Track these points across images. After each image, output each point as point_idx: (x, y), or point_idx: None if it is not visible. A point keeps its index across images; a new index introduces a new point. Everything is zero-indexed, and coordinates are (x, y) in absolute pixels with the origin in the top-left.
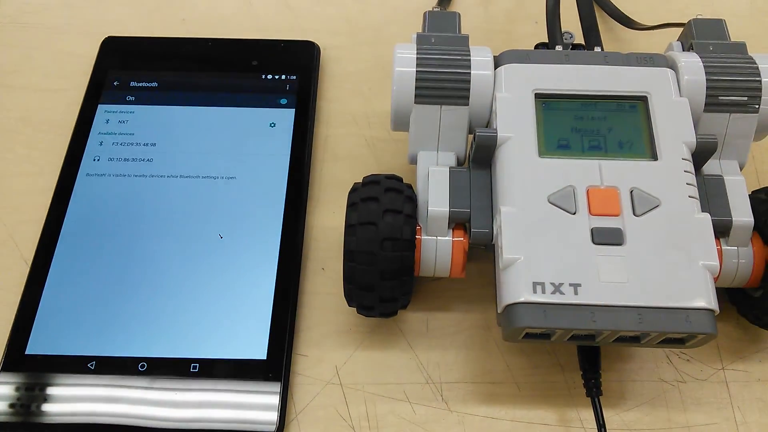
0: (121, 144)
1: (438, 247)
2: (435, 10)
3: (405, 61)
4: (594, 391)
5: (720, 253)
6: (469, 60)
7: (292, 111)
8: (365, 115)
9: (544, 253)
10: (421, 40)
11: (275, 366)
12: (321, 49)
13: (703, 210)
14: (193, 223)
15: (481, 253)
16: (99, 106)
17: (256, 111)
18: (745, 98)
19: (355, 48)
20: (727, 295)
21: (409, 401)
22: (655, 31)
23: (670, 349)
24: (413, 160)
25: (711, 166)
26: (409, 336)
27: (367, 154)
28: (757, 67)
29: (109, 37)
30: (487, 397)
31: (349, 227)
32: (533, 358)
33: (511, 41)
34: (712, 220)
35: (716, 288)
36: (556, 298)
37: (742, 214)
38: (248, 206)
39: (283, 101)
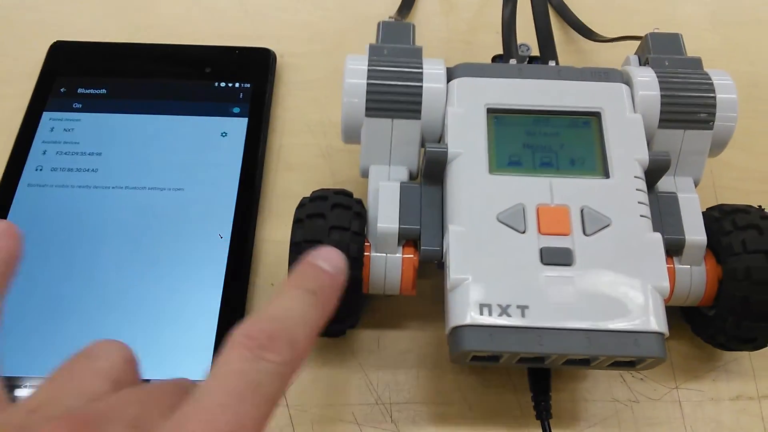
0: (65, 153)
1: (387, 265)
2: (390, 20)
3: (356, 72)
4: (544, 414)
5: (672, 272)
6: (422, 73)
7: (245, 120)
8: (321, 124)
9: (492, 273)
10: (373, 51)
11: None
12: (278, 56)
13: (656, 229)
14: (137, 237)
15: (435, 268)
16: (44, 113)
17: (207, 120)
18: (700, 114)
19: (313, 56)
20: (681, 313)
21: (358, 423)
22: (616, 42)
23: (621, 371)
24: (365, 174)
25: (665, 183)
26: (359, 355)
27: (322, 164)
28: (712, 83)
29: (57, 41)
30: (438, 418)
31: (294, 245)
32: (485, 377)
33: (472, 51)
34: (664, 238)
35: (669, 306)
36: (503, 321)
37: (695, 233)
38: (196, 219)
39: (236, 110)
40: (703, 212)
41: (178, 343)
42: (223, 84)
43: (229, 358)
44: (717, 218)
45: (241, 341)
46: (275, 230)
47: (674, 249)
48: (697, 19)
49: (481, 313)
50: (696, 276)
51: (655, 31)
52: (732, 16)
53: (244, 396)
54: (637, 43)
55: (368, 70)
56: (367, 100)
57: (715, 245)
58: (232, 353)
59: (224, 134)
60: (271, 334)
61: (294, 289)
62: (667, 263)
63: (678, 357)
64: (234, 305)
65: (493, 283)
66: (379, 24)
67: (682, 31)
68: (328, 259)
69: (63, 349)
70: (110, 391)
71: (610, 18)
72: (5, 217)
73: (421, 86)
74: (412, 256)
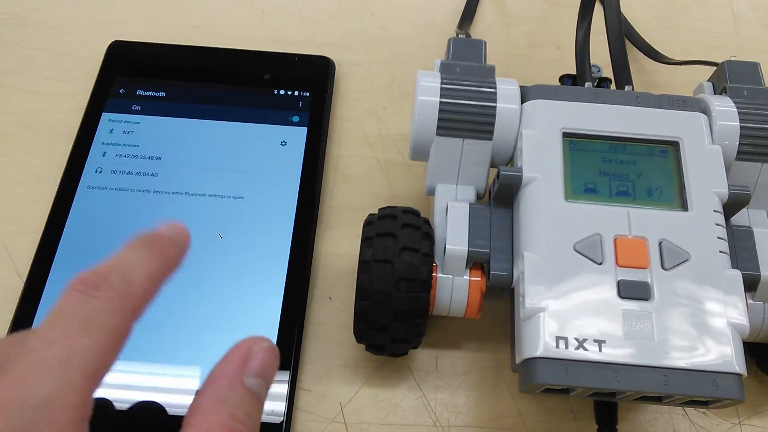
0: (124, 156)
1: (454, 287)
2: (459, 36)
3: (428, 90)
4: None
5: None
6: (496, 93)
7: (305, 129)
8: (379, 136)
9: (569, 305)
10: (445, 68)
11: (277, 402)
12: (336, 66)
13: (732, 264)
14: (197, 245)
15: (495, 290)
16: (103, 114)
17: (267, 128)
18: None
19: (371, 65)
20: (747, 347)
21: None
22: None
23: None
24: (431, 192)
25: (739, 216)
26: (417, 374)
27: (380, 177)
28: None
29: (116, 41)
30: None
31: (364, 263)
32: (545, 404)
33: (532, 66)
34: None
35: None
36: (579, 355)
37: None
38: (255, 229)
39: (295, 119)
40: None
41: None
42: (282, 92)
43: (60, 304)
44: None
45: (72, 286)
46: (332, 243)
47: (749, 285)
48: (760, 42)
49: (557, 346)
50: None
51: (732, 59)
52: None
53: (71, 330)
54: (700, 67)
55: (441, 88)
56: (439, 119)
57: None
58: (63, 298)
59: (284, 143)
60: (102, 274)
61: (129, 246)
62: None
63: None
64: (293, 318)
65: (569, 315)
66: (449, 40)
67: (743, 54)
68: (170, 227)
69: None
70: None
71: (668, 37)
72: (65, 220)
73: (495, 107)
74: (479, 279)
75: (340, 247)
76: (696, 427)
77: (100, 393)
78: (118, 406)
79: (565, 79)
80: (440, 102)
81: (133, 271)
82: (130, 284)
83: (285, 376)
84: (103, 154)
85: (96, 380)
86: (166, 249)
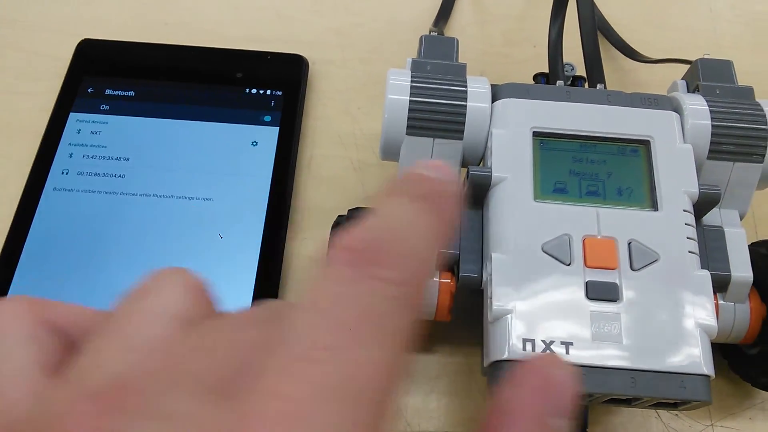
0: (92, 157)
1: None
2: (432, 33)
3: (398, 88)
4: None
5: (716, 308)
6: (466, 91)
7: (276, 129)
8: (353, 136)
9: (536, 307)
10: (416, 66)
11: None
12: (310, 64)
13: (702, 264)
14: (164, 247)
15: (467, 291)
16: (71, 114)
17: (237, 128)
18: (751, 147)
19: (346, 63)
20: (719, 348)
21: None
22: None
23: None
24: None
25: (711, 216)
26: None
27: (353, 178)
28: (764, 115)
29: (85, 39)
30: None
31: None
32: None
33: (509, 65)
34: (710, 275)
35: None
36: None
37: (742, 270)
38: (224, 231)
39: (267, 118)
40: (748, 246)
41: None
42: (254, 91)
43: (326, 280)
44: (764, 255)
45: (338, 258)
46: (304, 245)
47: (719, 285)
48: (738, 41)
49: (524, 348)
50: (740, 314)
51: (705, 56)
52: None
53: (358, 331)
54: (680, 65)
55: (411, 87)
56: (408, 118)
57: (760, 283)
58: (330, 273)
59: (255, 143)
60: (379, 244)
61: (396, 197)
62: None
63: (714, 393)
64: None
65: (537, 317)
66: (421, 38)
67: (720, 51)
68: (435, 168)
69: None
70: (176, 336)
71: (646, 35)
72: (30, 223)
73: (466, 105)
74: (449, 281)
75: (312, 250)
76: (669, 429)
77: None
78: None
79: (539, 77)
80: (410, 101)
81: (414, 241)
82: (415, 262)
83: None
84: (70, 155)
85: (386, 418)
86: (444, 206)
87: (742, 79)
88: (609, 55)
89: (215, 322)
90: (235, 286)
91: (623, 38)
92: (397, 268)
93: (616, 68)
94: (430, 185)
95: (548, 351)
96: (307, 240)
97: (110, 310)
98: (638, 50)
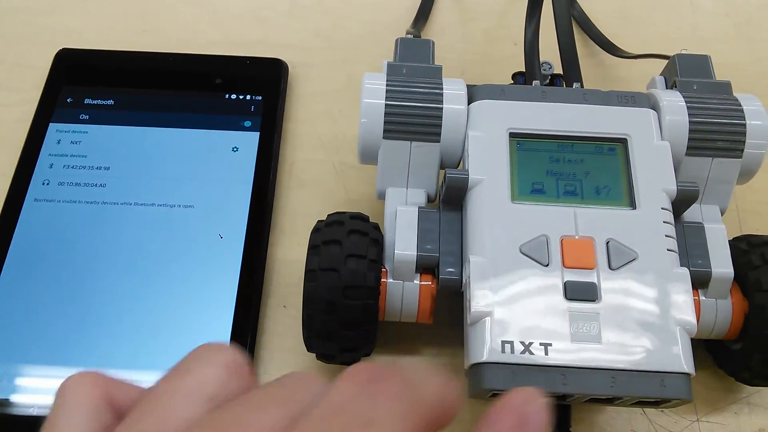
0: (72, 167)
1: (404, 293)
2: (408, 36)
3: (373, 92)
4: None
5: (697, 305)
6: (442, 94)
7: (257, 134)
8: (334, 138)
9: (515, 308)
10: (391, 69)
11: None
12: (290, 67)
13: (682, 261)
14: (147, 255)
15: (451, 293)
16: (50, 124)
17: (218, 134)
18: (729, 142)
19: (326, 66)
20: (704, 344)
21: None
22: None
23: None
24: (381, 196)
25: (691, 212)
26: None
27: (335, 181)
28: (742, 109)
29: (63, 48)
30: None
31: (310, 272)
32: None
33: (489, 63)
34: (690, 271)
35: (692, 339)
36: (526, 359)
37: (722, 266)
38: (206, 237)
39: (247, 123)
40: (729, 242)
41: None
42: (233, 96)
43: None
44: (745, 251)
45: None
46: (287, 250)
47: (700, 282)
48: (721, 32)
49: (503, 351)
50: (721, 310)
51: (683, 52)
52: (755, 31)
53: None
54: (660, 60)
55: (386, 90)
56: (385, 122)
57: (742, 279)
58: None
59: (235, 149)
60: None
61: None
62: (693, 296)
63: (699, 389)
64: (246, 327)
65: (515, 319)
66: (397, 41)
67: (702, 44)
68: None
69: (68, 370)
70: (206, 416)
71: (627, 30)
72: (11, 234)
73: (442, 108)
74: (429, 283)
75: (294, 254)
76: (655, 426)
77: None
78: None
79: (517, 76)
80: (386, 104)
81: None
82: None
83: None
84: (51, 166)
85: None
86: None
87: (724, 72)
88: (589, 51)
89: (242, 399)
90: (218, 292)
91: (603, 33)
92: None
93: (596, 63)
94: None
95: (527, 352)
96: (291, 244)
97: (150, 388)
98: (619, 45)
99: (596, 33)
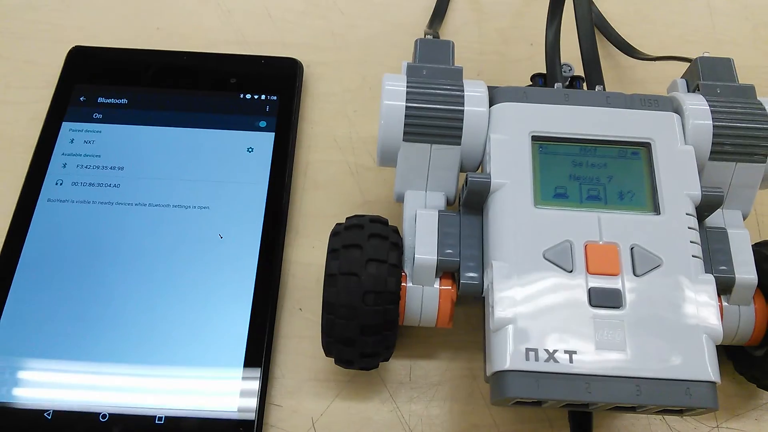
0: (86, 167)
1: (424, 297)
2: (427, 36)
3: (394, 94)
4: None
5: (721, 311)
6: (463, 96)
7: (272, 135)
8: (350, 139)
9: (539, 315)
10: (411, 71)
11: (247, 419)
12: (304, 67)
13: (705, 267)
14: (162, 257)
15: (469, 297)
16: (63, 123)
17: (233, 134)
18: (754, 147)
19: (341, 66)
20: (725, 350)
21: None
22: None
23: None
24: (400, 199)
25: (713, 217)
26: (390, 386)
27: (351, 182)
28: (766, 113)
29: (76, 46)
30: None
31: (329, 277)
32: (520, 412)
33: (505, 63)
34: (714, 277)
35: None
36: (550, 367)
37: (746, 272)
38: (222, 239)
39: (263, 124)
40: (752, 247)
41: (205, 368)
42: (248, 96)
43: None
44: None
45: None
46: (303, 252)
47: (723, 288)
48: (738, 35)
49: (527, 359)
50: (744, 316)
51: (705, 55)
52: None
53: None
54: (679, 63)
55: (407, 92)
56: (405, 124)
57: (765, 285)
58: None
59: (250, 149)
60: None
61: None
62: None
63: (719, 394)
64: (262, 331)
65: (539, 326)
66: (416, 41)
67: (719, 47)
68: None
69: (83, 369)
70: None
71: (644, 31)
72: (25, 235)
73: (463, 110)
74: (450, 288)
75: (310, 256)
76: (673, 431)
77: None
78: (89, 409)
79: (537, 78)
80: (406, 106)
81: None
82: None
83: (255, 390)
84: (64, 166)
85: None
86: None
87: (742, 74)
88: (607, 53)
89: None
90: (234, 294)
91: (621, 35)
92: None
93: (614, 65)
94: None
95: (551, 360)
96: (306, 246)
97: None
98: (636, 46)
99: (614, 35)
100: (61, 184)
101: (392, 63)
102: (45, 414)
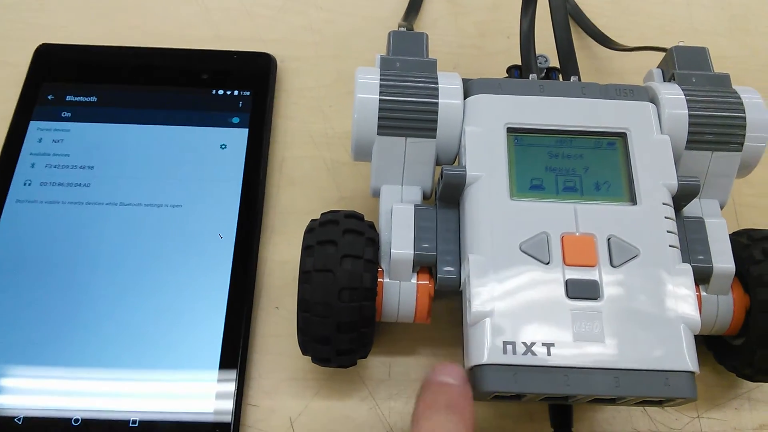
0: (55, 166)
1: (401, 292)
2: (401, 29)
3: (367, 87)
4: None
5: (699, 301)
6: (437, 88)
7: (245, 131)
8: (325, 135)
9: (516, 308)
10: (385, 63)
11: (223, 421)
12: (279, 62)
13: (683, 257)
14: (134, 257)
15: (447, 292)
16: (31, 122)
17: (205, 130)
18: (729, 135)
19: (317, 61)
20: (703, 340)
21: None
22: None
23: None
24: (376, 193)
25: (691, 206)
26: (370, 383)
27: (327, 178)
28: (741, 102)
29: (43, 44)
30: None
31: (304, 274)
32: (501, 407)
33: (482, 56)
34: (692, 267)
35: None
36: (528, 360)
37: (724, 261)
38: (195, 238)
39: (236, 120)
40: (729, 236)
41: (179, 370)
42: (221, 92)
43: None
44: (746, 245)
45: None
46: (279, 249)
47: (701, 277)
48: (715, 24)
49: (505, 352)
50: (723, 306)
51: (680, 44)
52: (751, 23)
53: None
54: (654, 54)
55: (380, 85)
56: (379, 118)
57: (743, 274)
58: None
59: (223, 146)
60: None
61: (432, 411)
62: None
63: (699, 385)
64: (237, 330)
65: (517, 319)
66: (389, 34)
67: (697, 36)
68: (450, 373)
69: (54, 373)
70: None
71: (622, 22)
72: None
73: (437, 102)
74: (427, 282)
75: (286, 254)
76: (655, 423)
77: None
78: (60, 414)
79: (513, 70)
80: (380, 99)
81: None
82: None
83: (231, 392)
84: (32, 166)
85: None
86: (466, 410)
87: (720, 64)
88: (584, 44)
89: None
90: (209, 293)
91: (598, 25)
92: None
93: (590, 56)
94: (452, 394)
95: (529, 353)
96: (282, 243)
97: None
98: (615, 38)
99: (590, 25)
100: (29, 184)
101: (369, 58)
102: (15, 419)
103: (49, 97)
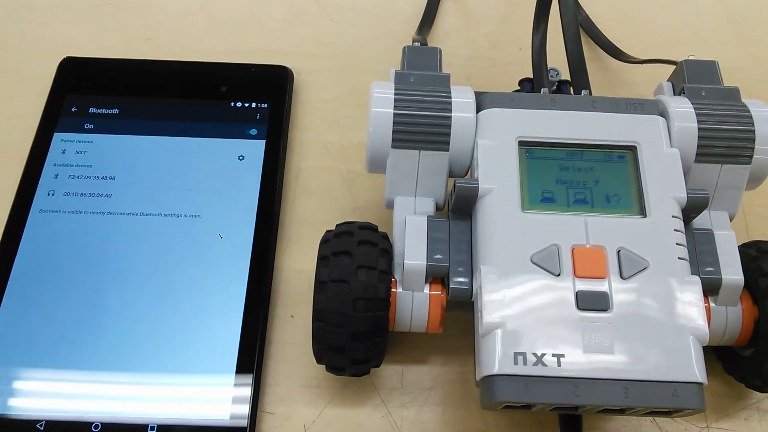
0: (77, 177)
1: (414, 303)
2: (415, 43)
3: (382, 101)
4: None
5: (708, 312)
6: (450, 102)
7: (263, 143)
8: (340, 146)
9: (527, 319)
10: (399, 78)
11: (239, 426)
12: (294, 74)
13: (692, 269)
14: (153, 266)
15: (459, 302)
16: (55, 134)
17: (223, 142)
18: (738, 148)
19: (331, 73)
20: (713, 350)
21: None
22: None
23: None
24: (390, 205)
25: (700, 218)
26: (382, 391)
27: (342, 189)
28: (750, 116)
29: (67, 57)
30: None
31: (319, 284)
32: (512, 416)
33: (494, 68)
34: (701, 278)
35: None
36: (538, 371)
37: (732, 273)
38: (213, 247)
39: (253, 131)
40: (738, 248)
41: (196, 376)
42: (239, 104)
43: None
44: (755, 257)
45: None
46: (294, 259)
47: (710, 289)
48: (722, 35)
49: (516, 363)
50: (732, 317)
51: (690, 57)
52: (757, 31)
53: None
54: (667, 65)
55: (395, 99)
56: (393, 131)
57: (752, 285)
58: None
59: (241, 157)
60: None
61: None
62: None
63: (709, 395)
64: (254, 337)
65: (527, 330)
66: (404, 49)
67: (706, 47)
68: None
69: (76, 379)
70: None
71: (630, 33)
72: (17, 246)
73: (450, 116)
74: (439, 293)
75: (302, 263)
76: None
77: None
78: (81, 419)
79: (524, 82)
80: (394, 113)
81: None
82: None
83: (247, 397)
84: (56, 176)
85: None
86: None
87: (728, 75)
88: (595, 55)
89: None
90: (226, 301)
91: (608, 37)
92: None
93: (602, 68)
94: None
95: (539, 364)
96: (298, 253)
97: None
98: (624, 49)
99: (601, 37)
100: (53, 194)
101: (382, 70)
102: (38, 425)
103: (73, 110)
